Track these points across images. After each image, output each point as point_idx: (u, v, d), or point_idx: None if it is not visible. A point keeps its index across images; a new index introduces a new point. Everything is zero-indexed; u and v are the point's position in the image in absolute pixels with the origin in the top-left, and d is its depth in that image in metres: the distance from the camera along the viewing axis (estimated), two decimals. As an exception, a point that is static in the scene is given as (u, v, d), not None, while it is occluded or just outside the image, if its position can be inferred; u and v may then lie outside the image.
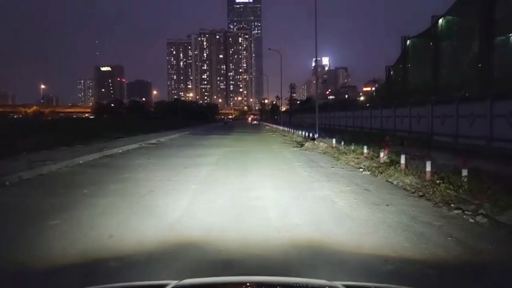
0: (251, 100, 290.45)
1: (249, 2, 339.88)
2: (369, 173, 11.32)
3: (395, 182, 9.51)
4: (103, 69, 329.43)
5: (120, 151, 18.24)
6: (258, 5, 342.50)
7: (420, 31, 26.83)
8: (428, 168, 9.17)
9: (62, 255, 4.60)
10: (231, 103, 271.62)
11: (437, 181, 8.46)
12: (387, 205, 7.18)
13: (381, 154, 12.70)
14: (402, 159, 10.85)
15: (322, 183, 9.79)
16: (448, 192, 7.62)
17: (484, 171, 8.97)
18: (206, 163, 13.75)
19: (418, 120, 22.09)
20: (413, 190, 8.52)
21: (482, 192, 7.18)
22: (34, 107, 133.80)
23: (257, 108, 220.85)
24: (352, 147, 16.56)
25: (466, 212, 6.44)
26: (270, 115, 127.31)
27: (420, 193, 8.11)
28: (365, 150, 14.57)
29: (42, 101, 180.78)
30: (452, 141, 17.56)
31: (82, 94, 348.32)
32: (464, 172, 8.37)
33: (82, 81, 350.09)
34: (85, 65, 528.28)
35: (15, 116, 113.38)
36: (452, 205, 6.93)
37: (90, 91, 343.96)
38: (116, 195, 8.15)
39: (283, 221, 6.16)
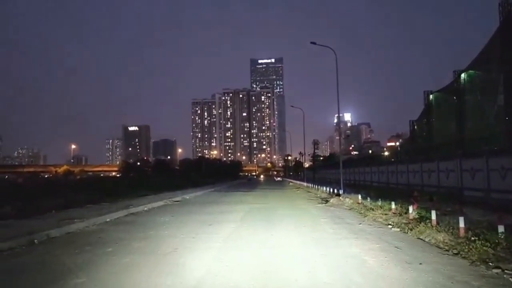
0: (275, 156, 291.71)
1: (271, 62, 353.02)
2: (398, 229, 10.92)
3: (427, 239, 9.11)
4: (130, 129, 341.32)
5: (145, 208, 18.35)
6: (280, 65, 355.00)
7: (440, 85, 27.04)
8: (462, 224, 8.77)
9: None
10: (255, 160, 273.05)
11: (472, 238, 8.05)
12: (420, 264, 6.84)
13: (410, 210, 12.31)
14: (433, 215, 10.45)
15: (350, 240, 9.48)
16: (485, 250, 7.21)
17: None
18: (230, 220, 13.61)
19: (447, 174, 21.53)
20: (446, 247, 8.12)
21: (522, 250, 6.78)
22: (64, 167, 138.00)
23: (280, 164, 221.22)
24: (379, 203, 16.14)
25: (506, 271, 6.06)
26: (293, 171, 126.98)
27: (455, 251, 7.71)
28: (393, 206, 14.14)
29: (72, 160, 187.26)
30: (483, 196, 16.92)
31: (110, 153, 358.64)
32: (501, 229, 7.97)
33: (110, 140, 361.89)
34: (113, 125, 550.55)
35: (46, 176, 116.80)
36: (491, 263, 6.54)
37: (118, 150, 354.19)
38: (139, 253, 8.09)
39: (311, 280, 5.93)
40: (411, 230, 10.38)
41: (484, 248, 7.30)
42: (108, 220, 13.91)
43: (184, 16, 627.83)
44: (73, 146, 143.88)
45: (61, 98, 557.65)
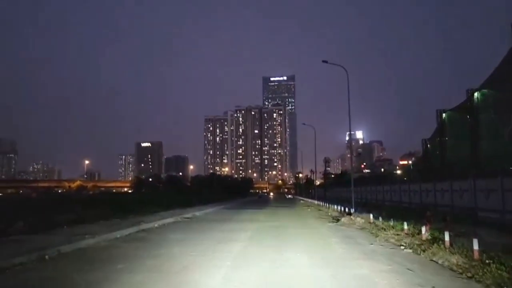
0: (286, 174, 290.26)
1: (283, 80, 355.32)
2: (411, 251, 10.74)
3: (440, 262, 8.93)
4: (143, 145, 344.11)
5: (156, 225, 18.38)
6: (292, 83, 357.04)
7: (453, 104, 26.88)
8: (476, 246, 8.59)
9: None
10: (266, 177, 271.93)
11: (487, 261, 7.88)
12: (433, 287, 6.70)
13: (423, 231, 12.11)
14: (447, 236, 10.27)
15: (361, 261, 9.35)
16: (500, 274, 7.04)
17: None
18: (240, 239, 13.55)
19: (461, 194, 21.17)
20: (460, 270, 7.94)
21: (538, 274, 6.60)
22: (78, 182, 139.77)
23: (291, 182, 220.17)
24: (391, 223, 15.92)
25: (522, 296, 5.89)
26: (304, 189, 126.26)
27: (469, 274, 7.54)
28: (406, 226, 13.94)
29: (85, 176, 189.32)
30: (499, 217, 16.55)
31: (123, 169, 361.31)
32: (516, 251, 7.79)
33: (123, 156, 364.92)
34: (126, 141, 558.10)
35: (60, 191, 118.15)
36: (506, 288, 6.37)
37: (131, 166, 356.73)
38: (150, 271, 8.09)
39: (320, 302, 5.85)
40: (424, 251, 10.21)
41: (499, 271, 7.14)
42: (119, 236, 13.96)
43: (198, 34, 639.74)
44: (87, 162, 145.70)
45: (76, 114, 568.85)
